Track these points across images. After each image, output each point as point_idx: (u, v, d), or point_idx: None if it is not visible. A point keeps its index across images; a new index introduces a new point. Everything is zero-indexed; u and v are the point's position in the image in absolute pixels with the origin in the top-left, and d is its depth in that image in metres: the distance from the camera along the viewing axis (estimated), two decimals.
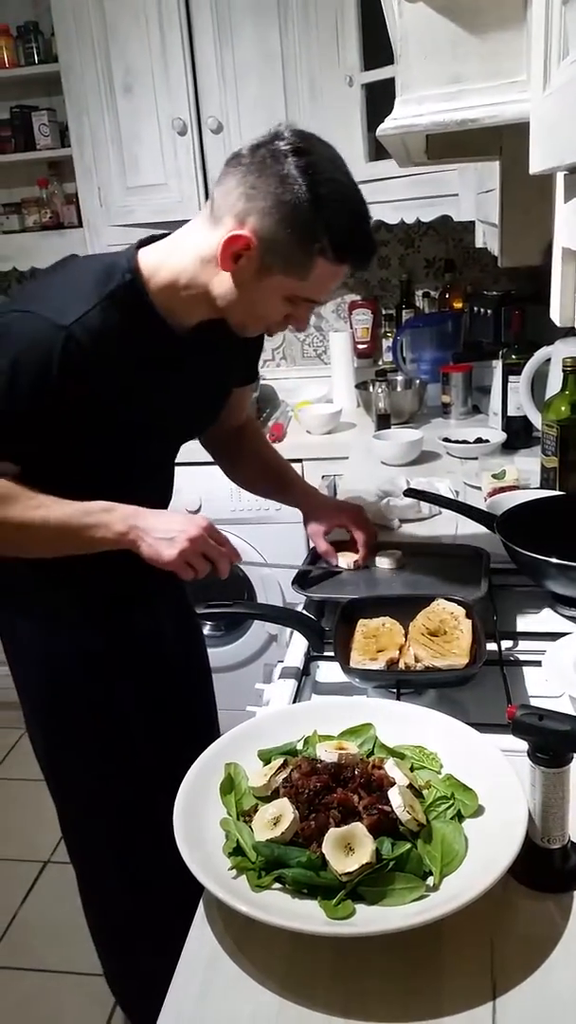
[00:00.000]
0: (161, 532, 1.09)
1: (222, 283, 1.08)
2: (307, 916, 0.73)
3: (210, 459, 1.55)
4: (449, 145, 1.19)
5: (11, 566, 1.26)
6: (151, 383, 1.14)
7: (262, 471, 1.53)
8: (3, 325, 1.05)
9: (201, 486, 2.20)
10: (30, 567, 1.21)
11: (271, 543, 2.44)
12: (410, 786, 0.82)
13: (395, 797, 0.80)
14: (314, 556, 1.47)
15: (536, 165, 0.66)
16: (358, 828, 0.77)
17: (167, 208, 2.56)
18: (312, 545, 1.47)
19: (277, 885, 0.76)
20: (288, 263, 1.03)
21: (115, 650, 1.29)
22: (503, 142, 1.26)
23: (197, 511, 2.37)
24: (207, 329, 1.16)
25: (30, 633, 1.28)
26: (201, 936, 0.76)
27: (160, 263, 1.10)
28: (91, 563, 1.16)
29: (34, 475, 1.11)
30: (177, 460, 1.40)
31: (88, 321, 1.04)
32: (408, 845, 0.77)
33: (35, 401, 1.04)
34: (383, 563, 1.41)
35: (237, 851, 0.79)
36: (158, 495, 1.36)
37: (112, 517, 1.10)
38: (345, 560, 1.42)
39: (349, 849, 0.76)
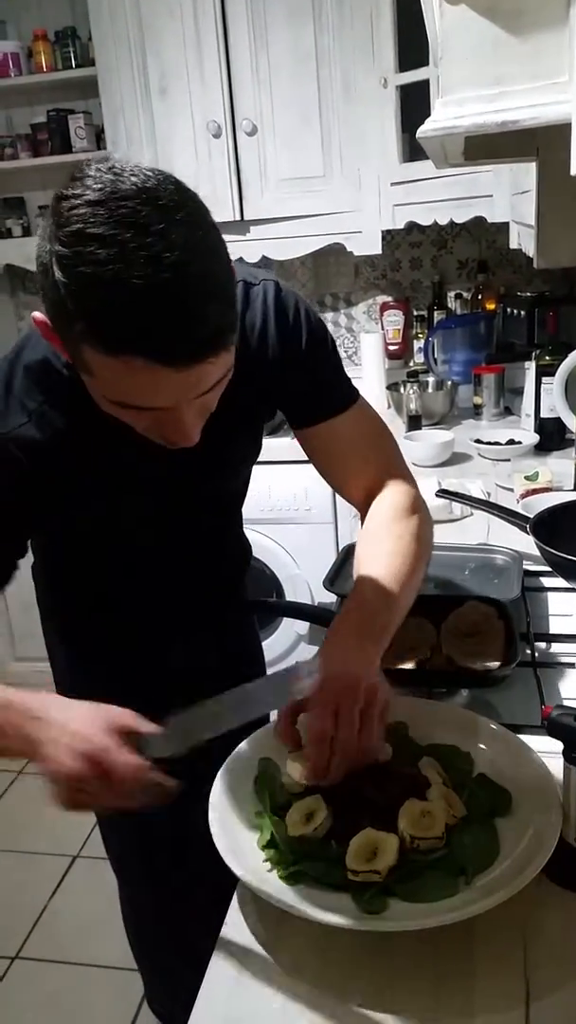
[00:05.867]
0: (47, 756, 0.78)
1: None
2: (340, 910, 0.73)
3: None
4: (486, 146, 1.19)
5: (56, 589, 1.24)
6: (112, 482, 0.98)
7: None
8: None
9: None
10: (72, 591, 1.19)
11: (300, 542, 2.45)
12: (443, 784, 0.83)
13: (432, 793, 0.81)
14: (342, 557, 1.47)
15: None
16: (391, 839, 0.77)
17: None
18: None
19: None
20: (71, 355, 0.79)
21: (147, 682, 1.17)
22: (540, 143, 1.26)
23: None
24: None
25: (66, 661, 1.28)
26: (235, 927, 0.77)
27: None
28: (128, 595, 1.15)
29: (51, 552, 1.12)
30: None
31: (24, 433, 0.90)
32: (443, 850, 0.77)
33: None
34: None
35: (271, 844, 0.80)
36: (198, 570, 1.22)
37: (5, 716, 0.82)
38: (293, 770, 0.87)
39: (372, 853, 0.76)
